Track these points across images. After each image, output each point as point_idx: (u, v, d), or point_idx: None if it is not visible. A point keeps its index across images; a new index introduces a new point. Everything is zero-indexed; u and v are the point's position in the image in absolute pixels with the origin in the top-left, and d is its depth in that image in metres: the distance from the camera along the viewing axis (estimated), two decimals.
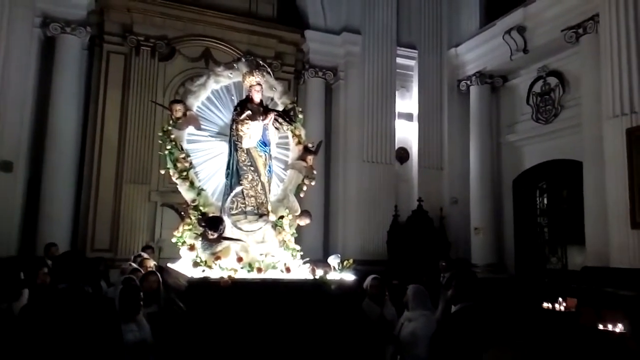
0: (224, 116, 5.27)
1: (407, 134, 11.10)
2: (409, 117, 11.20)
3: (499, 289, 8.86)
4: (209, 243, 4.39)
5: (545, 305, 7.62)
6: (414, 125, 11.16)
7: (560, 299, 7.52)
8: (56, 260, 3.02)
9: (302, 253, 5.08)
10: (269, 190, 5.03)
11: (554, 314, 7.42)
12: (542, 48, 9.50)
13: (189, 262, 4.42)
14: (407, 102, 11.26)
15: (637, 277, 6.52)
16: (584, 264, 8.08)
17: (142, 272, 5.16)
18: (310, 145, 5.46)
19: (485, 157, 10.74)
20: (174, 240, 4.95)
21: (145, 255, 6.08)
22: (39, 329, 2.54)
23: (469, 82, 11.05)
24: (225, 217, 4.64)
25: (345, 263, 4.55)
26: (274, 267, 4.46)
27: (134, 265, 5.53)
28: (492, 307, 3.98)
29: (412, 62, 11.28)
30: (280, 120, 5.12)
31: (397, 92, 10.88)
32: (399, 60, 10.95)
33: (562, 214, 9.80)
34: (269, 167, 5.03)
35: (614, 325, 5.95)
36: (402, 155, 11.04)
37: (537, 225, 10.42)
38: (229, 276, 3.91)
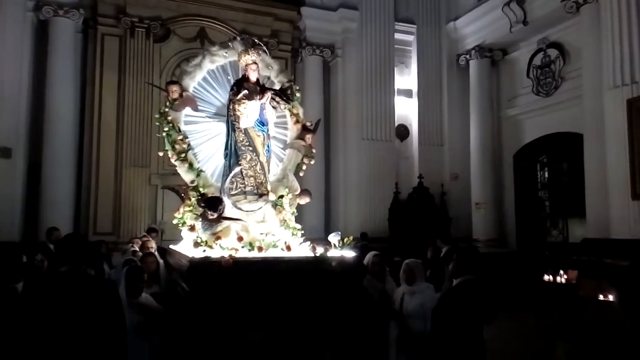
0: (221, 96, 5.21)
1: (406, 110, 11.04)
2: (408, 93, 11.12)
3: (500, 263, 8.93)
4: (209, 223, 4.39)
5: (546, 277, 7.68)
6: (414, 101, 11.08)
7: (561, 272, 7.58)
8: (58, 243, 3.04)
9: (303, 232, 5.09)
10: (268, 170, 5.00)
11: (555, 286, 7.49)
12: (542, 19, 9.38)
13: (190, 243, 4.43)
14: (406, 78, 11.16)
15: (637, 248, 6.54)
16: (585, 236, 8.11)
17: (141, 253, 5.19)
18: (308, 123, 5.41)
19: (485, 132, 10.70)
20: (175, 221, 4.96)
21: (146, 237, 6.11)
22: (41, 312, 2.56)
23: (468, 57, 10.94)
24: (225, 198, 4.64)
25: (345, 240, 4.56)
26: (274, 246, 4.47)
27: (134, 247, 5.56)
28: (493, 281, 3.99)
29: (411, 38, 11.15)
30: (277, 99, 5.06)
31: (395, 68, 10.78)
32: (397, 35, 10.82)
33: (563, 187, 9.81)
34: (268, 146, 4.99)
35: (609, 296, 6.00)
36: (402, 132, 11.00)
37: (538, 199, 10.44)
38: (230, 255, 3.92)
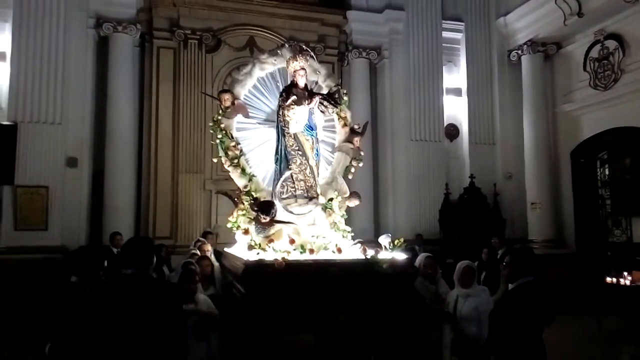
0: (271, 103, 5.36)
1: (456, 109, 10.87)
2: (457, 92, 10.94)
3: (559, 264, 8.62)
4: (262, 227, 4.52)
5: (608, 279, 7.36)
6: (463, 100, 10.89)
7: (625, 273, 7.23)
8: (124, 246, 3.24)
9: (352, 234, 5.13)
10: (318, 173, 5.09)
11: (619, 289, 7.16)
12: (599, 10, 8.99)
13: (244, 246, 4.58)
14: (455, 76, 10.99)
15: None
16: None
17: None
18: (356, 126, 5.46)
19: (540, 128, 10.35)
20: (229, 225, 5.13)
21: (203, 240, 6.32)
22: (107, 312, 2.73)
23: (520, 52, 10.63)
24: (276, 201, 4.76)
25: (396, 242, 4.57)
26: (325, 249, 4.54)
27: (193, 250, 5.77)
28: (552, 283, 3.88)
29: (459, 35, 10.97)
30: (325, 103, 5.13)
31: (444, 67, 10.64)
32: (444, 34, 10.68)
33: (625, 184, 9.33)
34: (317, 150, 5.08)
35: None
36: (452, 131, 10.83)
37: (598, 197, 9.98)
38: (283, 258, 4.02)
